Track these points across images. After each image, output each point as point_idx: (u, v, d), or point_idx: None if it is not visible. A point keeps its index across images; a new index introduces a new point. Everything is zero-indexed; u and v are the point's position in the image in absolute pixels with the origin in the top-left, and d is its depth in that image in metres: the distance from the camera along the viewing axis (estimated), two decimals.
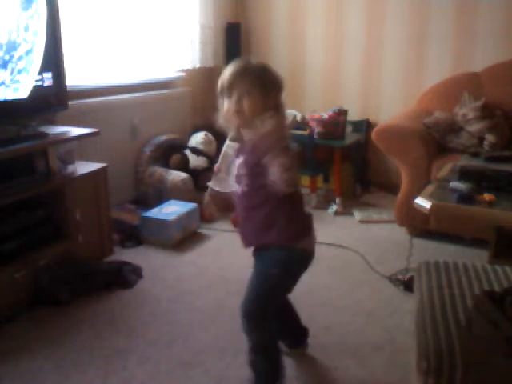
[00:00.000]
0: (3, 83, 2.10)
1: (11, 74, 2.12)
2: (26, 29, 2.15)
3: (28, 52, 2.18)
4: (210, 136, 3.51)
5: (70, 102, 2.48)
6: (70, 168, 2.40)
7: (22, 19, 2.13)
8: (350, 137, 3.46)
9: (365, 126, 3.65)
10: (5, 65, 2.09)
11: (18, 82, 2.15)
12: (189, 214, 2.89)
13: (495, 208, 1.60)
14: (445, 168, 2.14)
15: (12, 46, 2.11)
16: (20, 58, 2.15)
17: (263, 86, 1.39)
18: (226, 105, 1.43)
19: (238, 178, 1.51)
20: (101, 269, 2.38)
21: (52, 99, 2.34)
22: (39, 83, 2.25)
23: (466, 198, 1.65)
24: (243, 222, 1.57)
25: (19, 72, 2.15)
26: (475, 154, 2.44)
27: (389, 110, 3.56)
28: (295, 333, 1.84)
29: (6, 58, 2.09)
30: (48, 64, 2.28)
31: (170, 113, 3.52)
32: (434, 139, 2.87)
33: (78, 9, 2.80)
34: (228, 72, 1.42)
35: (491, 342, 1.17)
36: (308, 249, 1.55)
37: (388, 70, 3.62)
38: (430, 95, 3.28)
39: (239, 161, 1.50)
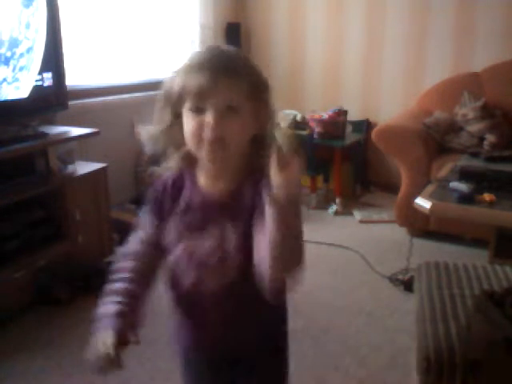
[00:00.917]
0: (5, 80, 2.10)
1: (13, 70, 2.12)
2: (28, 26, 2.15)
3: (29, 49, 2.18)
4: None
5: (70, 102, 2.48)
6: (70, 168, 2.40)
7: (24, 16, 2.13)
8: (350, 137, 3.46)
9: (365, 126, 3.64)
10: (7, 61, 2.09)
11: (18, 80, 2.15)
12: None
13: (495, 208, 1.60)
14: (445, 168, 2.14)
15: (14, 43, 2.11)
16: (21, 56, 2.15)
17: (256, 92, 0.84)
18: (189, 124, 0.83)
19: (209, 259, 0.88)
20: (101, 269, 2.37)
21: (52, 99, 2.34)
22: (39, 83, 2.25)
23: (466, 198, 1.65)
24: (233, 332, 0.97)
25: (20, 69, 2.15)
26: (475, 154, 2.44)
27: (389, 110, 3.56)
28: None
29: (8, 54, 2.09)
30: (48, 64, 2.27)
31: None
32: (434, 139, 2.87)
33: (78, 9, 2.80)
34: (193, 70, 0.82)
35: (491, 342, 1.17)
36: None
37: (388, 69, 3.62)
38: (430, 95, 3.29)
39: (223, 223, 0.87)
